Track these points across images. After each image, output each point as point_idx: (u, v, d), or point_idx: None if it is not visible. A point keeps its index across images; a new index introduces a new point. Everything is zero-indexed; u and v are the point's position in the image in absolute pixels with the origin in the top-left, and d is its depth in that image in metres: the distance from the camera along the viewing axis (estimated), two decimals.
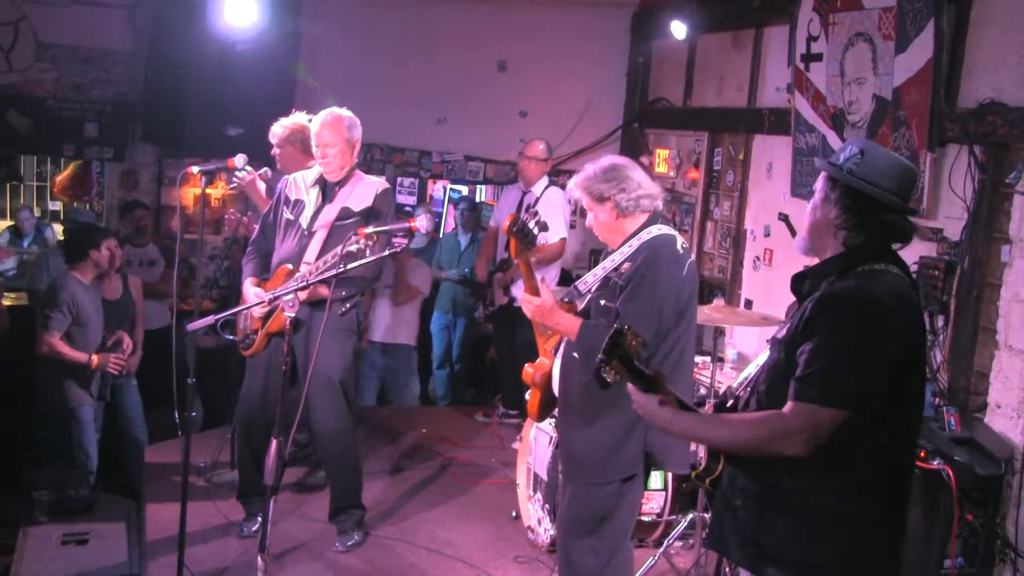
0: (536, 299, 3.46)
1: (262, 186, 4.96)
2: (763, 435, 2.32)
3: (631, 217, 3.44)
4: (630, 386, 2.36)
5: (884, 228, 2.41)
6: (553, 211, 6.05)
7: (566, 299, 3.57)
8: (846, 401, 2.25)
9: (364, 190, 4.49)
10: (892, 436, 2.36)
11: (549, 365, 3.67)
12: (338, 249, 3.97)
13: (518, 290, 6.13)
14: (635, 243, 3.40)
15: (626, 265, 3.37)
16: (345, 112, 4.46)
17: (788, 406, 2.30)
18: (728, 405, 2.65)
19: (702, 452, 2.58)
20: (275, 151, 5.01)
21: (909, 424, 2.44)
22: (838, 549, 2.36)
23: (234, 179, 4.89)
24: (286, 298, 3.82)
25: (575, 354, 3.41)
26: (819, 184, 2.49)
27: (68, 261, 5.65)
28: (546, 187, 6.33)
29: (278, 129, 4.97)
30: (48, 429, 5.55)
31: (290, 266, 4.36)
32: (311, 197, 4.50)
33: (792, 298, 2.58)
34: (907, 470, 2.50)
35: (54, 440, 5.52)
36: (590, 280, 3.52)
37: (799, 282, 2.49)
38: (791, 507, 2.38)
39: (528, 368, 3.79)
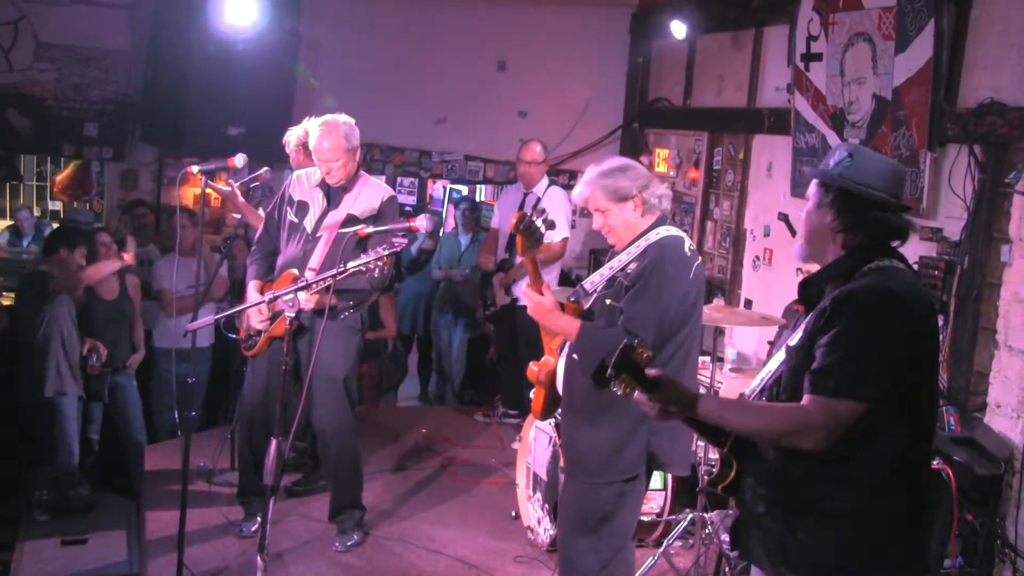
0: (538, 296, 3.45)
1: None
2: (784, 427, 2.32)
3: (648, 216, 3.42)
4: (638, 395, 2.34)
5: (881, 227, 2.43)
6: (556, 211, 6.02)
7: (572, 298, 3.54)
8: (862, 392, 2.25)
9: (370, 195, 4.47)
10: (912, 432, 2.36)
11: (554, 363, 3.66)
12: (347, 267, 3.89)
13: (519, 290, 6.13)
14: (642, 244, 3.38)
15: (632, 265, 3.35)
16: (341, 119, 4.39)
17: (805, 399, 2.31)
18: None
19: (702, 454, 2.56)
20: (291, 156, 5.04)
21: (926, 419, 2.44)
22: (863, 549, 2.34)
23: (212, 185, 4.89)
24: (286, 298, 3.82)
25: (575, 355, 3.41)
26: (812, 191, 2.52)
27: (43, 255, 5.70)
28: (547, 187, 6.32)
29: (290, 136, 4.99)
30: (33, 422, 5.49)
31: (295, 271, 4.33)
32: (316, 200, 4.49)
33: (790, 296, 2.58)
34: (927, 467, 2.50)
35: (41, 435, 5.48)
36: (596, 280, 3.50)
37: (806, 288, 2.50)
38: (815, 510, 2.37)
39: (533, 366, 3.78)
